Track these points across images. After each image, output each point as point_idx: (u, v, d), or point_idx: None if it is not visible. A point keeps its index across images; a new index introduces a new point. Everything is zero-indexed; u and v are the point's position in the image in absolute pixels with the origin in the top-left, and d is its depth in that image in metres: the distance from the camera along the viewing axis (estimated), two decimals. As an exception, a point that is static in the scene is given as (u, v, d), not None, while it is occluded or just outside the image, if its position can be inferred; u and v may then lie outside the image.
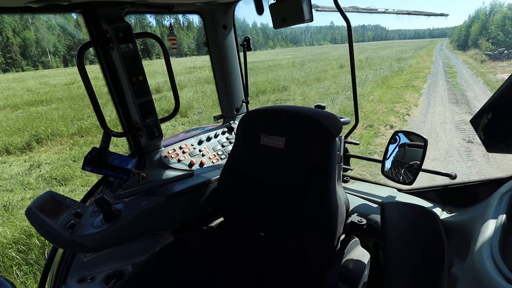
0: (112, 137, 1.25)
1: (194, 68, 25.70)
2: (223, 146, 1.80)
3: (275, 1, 1.35)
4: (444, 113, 8.18)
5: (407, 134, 1.38)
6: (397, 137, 1.40)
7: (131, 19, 1.33)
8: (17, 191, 4.86)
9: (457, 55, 37.63)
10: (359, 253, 1.18)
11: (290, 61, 28.92)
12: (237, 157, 1.36)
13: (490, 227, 0.77)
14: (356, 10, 1.29)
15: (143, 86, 1.32)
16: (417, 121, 7.48)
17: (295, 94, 11.48)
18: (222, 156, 1.76)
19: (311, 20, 1.32)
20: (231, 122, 1.93)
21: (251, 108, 2.00)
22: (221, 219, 1.65)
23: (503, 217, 0.79)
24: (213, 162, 1.70)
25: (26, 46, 67.95)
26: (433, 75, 16.29)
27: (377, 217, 1.19)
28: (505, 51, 25.08)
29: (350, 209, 1.35)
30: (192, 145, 1.70)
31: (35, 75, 34.84)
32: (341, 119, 1.24)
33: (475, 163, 4.95)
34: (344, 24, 1.29)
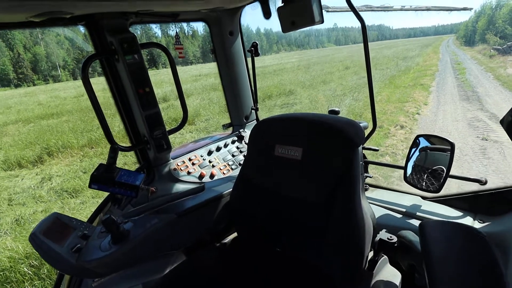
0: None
1: (200, 76, 25.93)
2: (233, 156, 1.75)
3: (283, 4, 1.29)
4: (455, 110, 7.99)
5: (428, 137, 1.31)
6: (417, 141, 1.32)
7: (137, 31, 1.30)
8: (29, 204, 4.90)
9: (465, 51, 37.07)
10: (389, 273, 1.09)
11: (295, 65, 28.90)
12: (250, 169, 1.29)
13: None
14: (370, 9, 1.22)
15: (150, 97, 1.28)
16: (428, 120, 7.31)
17: (301, 98, 11.40)
18: (233, 167, 1.70)
19: (322, 21, 1.26)
20: (240, 130, 1.87)
21: (260, 114, 1.94)
22: (235, 234, 1.58)
23: None
24: (224, 173, 1.64)
25: (36, 61, 70.04)
26: (441, 72, 16.03)
27: (409, 235, 1.08)
28: (515, 45, 24.54)
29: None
30: (201, 156, 1.64)
31: (46, 89, 35.77)
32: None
33: (491, 161, 4.78)
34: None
